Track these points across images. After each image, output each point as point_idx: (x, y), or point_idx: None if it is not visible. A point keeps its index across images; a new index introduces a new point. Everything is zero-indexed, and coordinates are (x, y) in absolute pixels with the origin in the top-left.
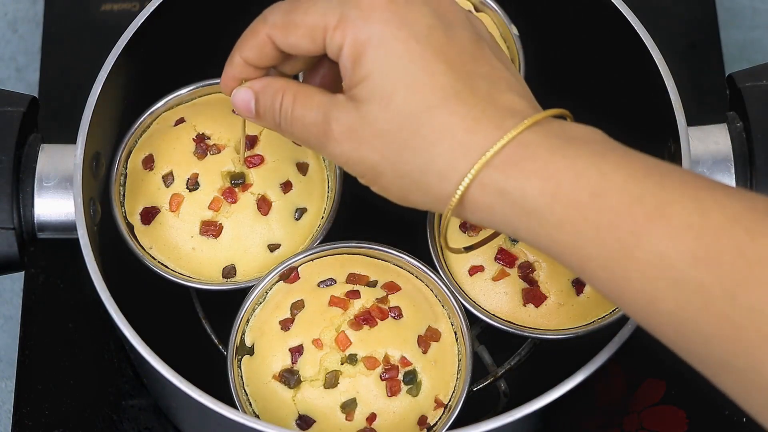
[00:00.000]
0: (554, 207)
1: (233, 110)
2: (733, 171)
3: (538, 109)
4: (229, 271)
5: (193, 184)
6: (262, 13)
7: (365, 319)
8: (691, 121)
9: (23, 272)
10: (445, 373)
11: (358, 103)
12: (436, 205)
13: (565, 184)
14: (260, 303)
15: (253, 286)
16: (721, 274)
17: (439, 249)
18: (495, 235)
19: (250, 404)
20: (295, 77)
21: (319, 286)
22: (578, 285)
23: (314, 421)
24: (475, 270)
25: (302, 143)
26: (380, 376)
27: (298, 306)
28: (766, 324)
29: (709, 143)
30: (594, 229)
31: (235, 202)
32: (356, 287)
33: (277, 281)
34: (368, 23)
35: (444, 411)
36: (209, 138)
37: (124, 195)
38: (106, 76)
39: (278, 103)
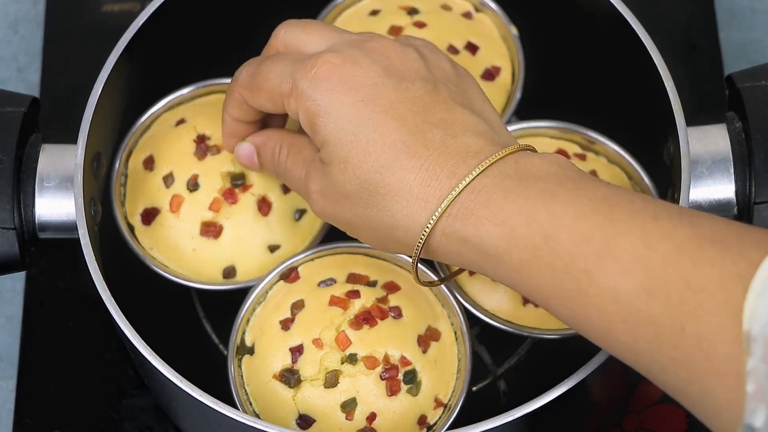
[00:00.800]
0: (511, 251)
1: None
2: (732, 171)
3: (501, 143)
4: (229, 272)
5: (193, 185)
6: (235, 73)
7: (365, 319)
8: (691, 122)
9: (24, 272)
10: (444, 372)
11: (324, 166)
12: (409, 252)
13: (519, 229)
14: (260, 303)
15: (253, 286)
16: (669, 306)
17: None
18: (461, 270)
19: (251, 404)
20: None
21: (319, 285)
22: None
23: (314, 421)
24: None
25: (295, 191)
26: (380, 376)
27: (298, 306)
28: (715, 352)
29: (708, 143)
30: (550, 270)
31: (235, 202)
32: (356, 287)
33: (277, 281)
34: (316, 92)
35: (444, 410)
36: (209, 138)
37: (124, 195)
38: (106, 76)
39: (276, 154)
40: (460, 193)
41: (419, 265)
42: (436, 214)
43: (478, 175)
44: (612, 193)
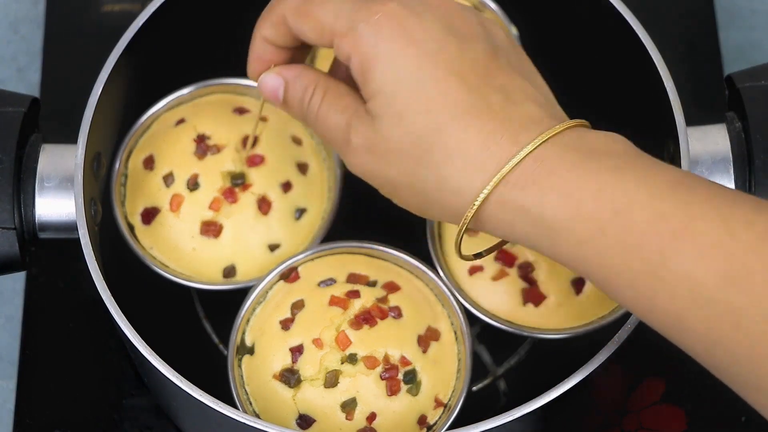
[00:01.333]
0: (575, 225)
1: (233, 110)
2: (732, 171)
3: (558, 118)
4: (229, 271)
5: (193, 185)
6: None
7: (365, 319)
8: (690, 122)
9: (24, 272)
10: (444, 372)
11: (373, 118)
12: (454, 220)
13: (586, 202)
14: (260, 303)
15: (253, 285)
16: (753, 296)
17: (437, 247)
18: (504, 242)
19: (251, 403)
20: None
21: (319, 285)
22: (577, 285)
23: (314, 421)
24: (474, 270)
25: (323, 141)
26: (380, 376)
27: (298, 306)
28: None
29: (708, 143)
30: (618, 247)
31: (235, 202)
32: (356, 287)
33: (277, 281)
34: (377, 39)
35: (444, 410)
36: (209, 138)
37: (124, 195)
38: (106, 76)
39: (308, 96)
40: (522, 160)
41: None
42: (496, 178)
43: (541, 143)
44: (686, 177)
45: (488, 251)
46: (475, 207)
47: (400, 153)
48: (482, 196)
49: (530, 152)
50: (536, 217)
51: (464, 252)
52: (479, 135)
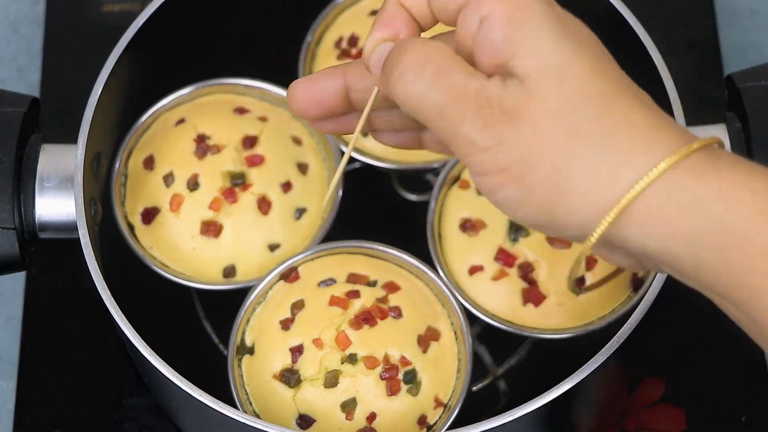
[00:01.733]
0: (763, 228)
1: (233, 110)
2: None
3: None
4: (229, 271)
5: (193, 184)
6: None
7: (365, 319)
8: (690, 122)
9: (24, 272)
10: (444, 372)
11: (520, 79)
12: (586, 216)
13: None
14: (260, 303)
15: (253, 285)
16: None
17: (437, 247)
18: (618, 272)
19: (251, 403)
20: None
21: (319, 285)
22: (578, 284)
23: (314, 421)
24: (474, 270)
25: (431, 115)
26: (380, 376)
27: (298, 306)
28: None
29: None
30: None
31: (235, 202)
32: (356, 287)
33: (277, 281)
34: (529, 17)
35: (444, 410)
36: (209, 138)
37: (124, 195)
38: (107, 76)
39: (430, 55)
40: (699, 148)
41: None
42: (670, 158)
43: (707, 143)
44: None
45: (603, 281)
46: (634, 193)
47: (558, 117)
48: (648, 178)
49: (703, 145)
50: (715, 214)
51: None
52: (646, 115)
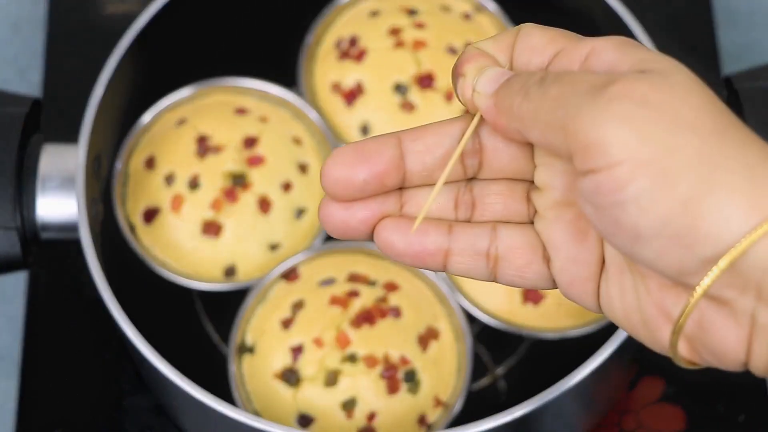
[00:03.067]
0: None
1: (234, 111)
2: None
3: None
4: (230, 270)
5: (194, 184)
6: None
7: (365, 318)
8: None
9: (26, 272)
10: (444, 372)
11: (658, 72)
12: (742, 216)
13: None
14: (261, 302)
15: (253, 285)
16: None
17: None
18: None
19: (251, 403)
20: None
21: (319, 285)
22: None
23: (315, 420)
24: None
25: (550, 117)
26: (380, 375)
27: (298, 305)
28: None
29: None
30: None
31: (235, 202)
32: (356, 286)
33: (277, 280)
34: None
35: (443, 410)
36: (210, 138)
37: (125, 195)
38: (108, 77)
39: (545, 74)
40: None
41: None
42: None
43: None
44: None
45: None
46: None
47: (703, 112)
48: None
49: None
50: None
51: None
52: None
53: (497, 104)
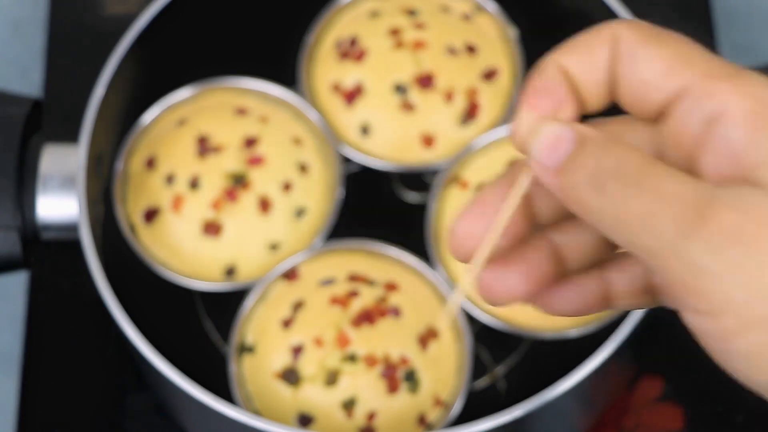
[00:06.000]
0: None
1: (234, 111)
2: None
3: None
4: (230, 270)
5: (194, 184)
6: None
7: (365, 318)
8: None
9: (27, 272)
10: (444, 371)
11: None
12: None
13: None
14: (261, 302)
15: (254, 285)
16: None
17: (437, 247)
18: None
19: (251, 402)
20: None
21: (319, 285)
22: None
23: (315, 419)
24: None
25: (635, 231)
26: (380, 374)
27: (298, 305)
28: None
29: None
30: None
31: (236, 201)
32: (356, 286)
33: (278, 280)
34: None
35: (443, 409)
36: (210, 138)
37: (126, 195)
38: (109, 77)
39: (623, 160)
40: None
41: None
42: None
43: None
44: None
45: None
46: None
47: None
48: None
49: None
50: None
51: None
52: None
53: (563, 189)
